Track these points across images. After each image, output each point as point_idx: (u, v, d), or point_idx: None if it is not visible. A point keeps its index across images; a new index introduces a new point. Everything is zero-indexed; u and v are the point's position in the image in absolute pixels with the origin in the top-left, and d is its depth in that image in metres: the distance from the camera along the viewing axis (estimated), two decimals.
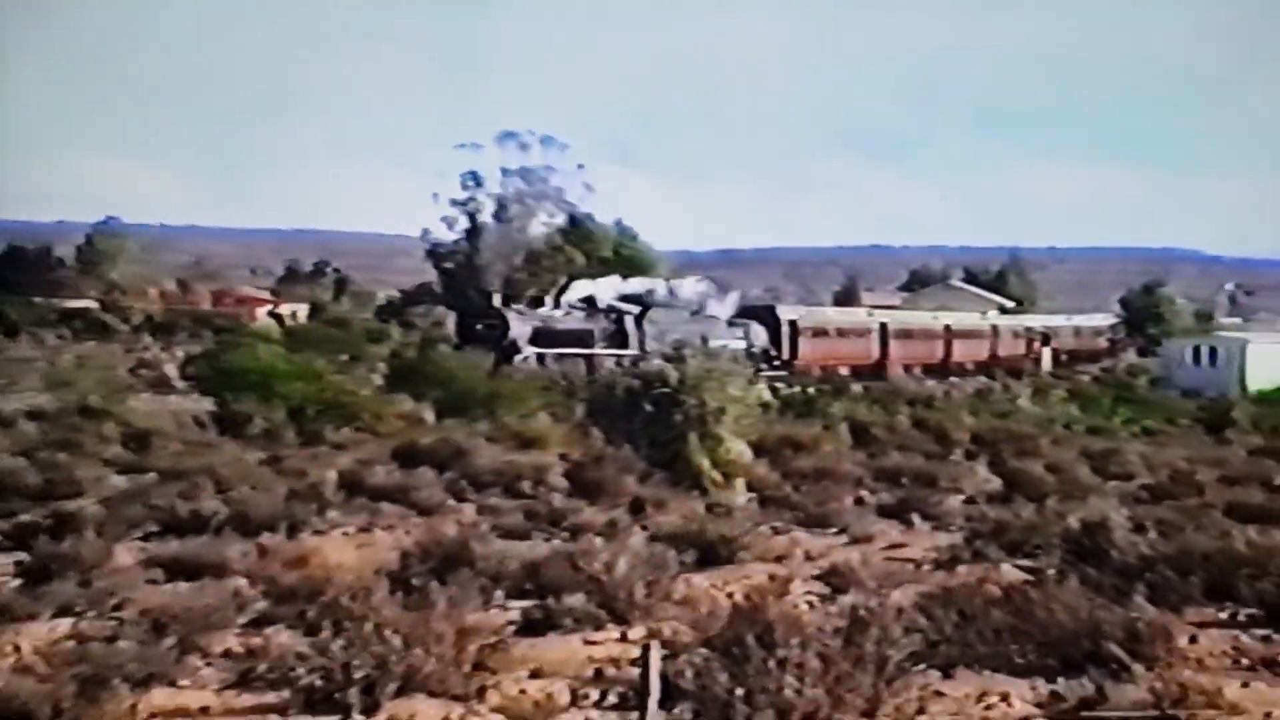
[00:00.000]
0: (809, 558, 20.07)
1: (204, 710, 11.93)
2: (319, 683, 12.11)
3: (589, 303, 67.59)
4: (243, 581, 16.94)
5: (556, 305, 65.76)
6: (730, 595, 16.57)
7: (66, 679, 12.03)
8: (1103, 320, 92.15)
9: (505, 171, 75.19)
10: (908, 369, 75.90)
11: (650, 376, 30.02)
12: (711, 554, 19.46)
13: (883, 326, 79.66)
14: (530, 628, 15.08)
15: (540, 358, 58.85)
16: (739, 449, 27.87)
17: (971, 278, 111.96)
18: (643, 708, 7.98)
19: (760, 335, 70.69)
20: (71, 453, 30.15)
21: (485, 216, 74.82)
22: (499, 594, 16.46)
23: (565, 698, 12.32)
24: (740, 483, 26.38)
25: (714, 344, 61.11)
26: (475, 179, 74.21)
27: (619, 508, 23.58)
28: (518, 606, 15.86)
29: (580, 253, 72.79)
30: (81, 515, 21.33)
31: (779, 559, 19.81)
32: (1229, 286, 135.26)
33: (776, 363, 68.45)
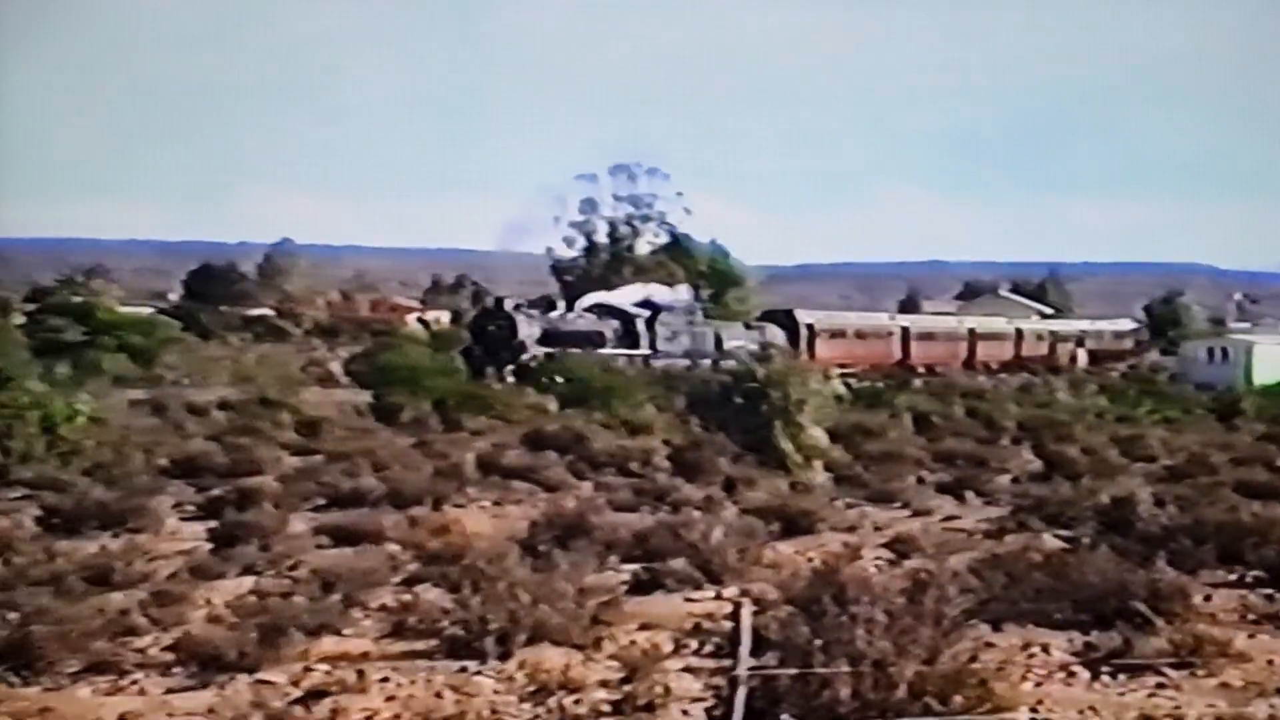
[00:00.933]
0: (877, 528, 19.95)
1: (364, 656, 12.05)
2: (460, 633, 12.22)
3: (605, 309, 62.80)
4: (396, 547, 17.13)
5: (569, 309, 61.74)
6: (810, 560, 16.54)
7: (250, 627, 12.20)
8: (1127, 325, 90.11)
9: (616, 198, 75.21)
10: (930, 369, 71.71)
11: (741, 373, 30.03)
12: (794, 525, 19.41)
13: (904, 330, 75.75)
14: (639, 588, 15.13)
15: (549, 356, 54.42)
16: (817, 435, 27.72)
17: (1017, 289, 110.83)
18: (735, 656, 8.01)
19: (778, 336, 65.11)
20: (253, 437, 30.55)
21: (600, 236, 74.69)
22: (612, 558, 16.50)
23: (669, 647, 12.32)
24: (818, 464, 26.25)
25: (729, 345, 59.41)
26: (591, 205, 74.15)
27: (714, 485, 23.51)
28: (628, 569, 15.88)
29: (680, 268, 72.07)
30: (262, 490, 21.61)
31: (851, 529, 19.71)
32: (1237, 296, 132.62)
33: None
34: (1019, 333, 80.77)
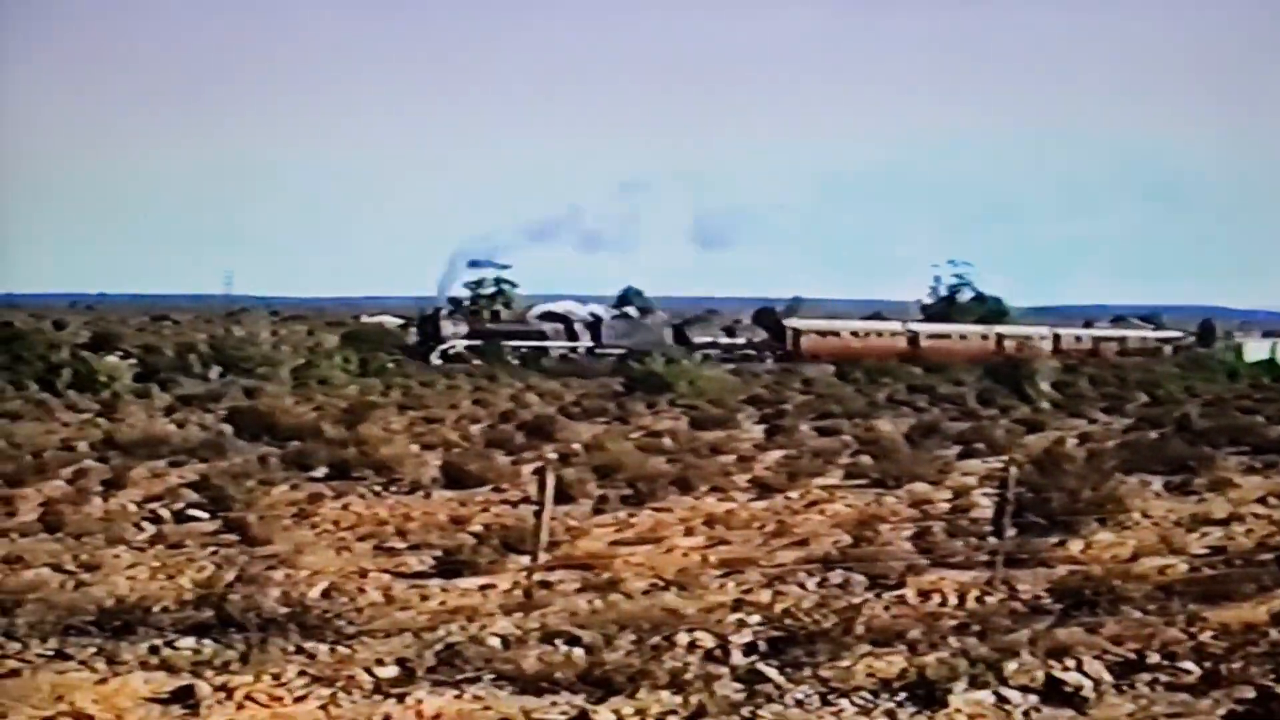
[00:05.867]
0: (1072, 429, 18.96)
1: (833, 489, 12.19)
2: (877, 475, 12.56)
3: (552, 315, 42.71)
4: (848, 437, 17.09)
5: (520, 318, 42.50)
6: (1042, 444, 15.92)
7: (782, 473, 12.71)
8: (1181, 334, 75.49)
9: (951, 274, 70.04)
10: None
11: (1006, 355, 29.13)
12: (1033, 427, 18.68)
13: (913, 333, 51.32)
14: (961, 456, 14.90)
15: (472, 347, 37.92)
16: (1045, 387, 26.73)
17: (1139, 317, 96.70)
18: (1005, 488, 8.32)
19: (758, 334, 45.68)
20: (780, 387, 30.16)
21: (942, 291, 69.98)
22: (948, 443, 16.19)
23: (975, 482, 12.30)
24: (1045, 400, 24.99)
25: (699, 339, 42.48)
26: (937, 280, 69.46)
27: (996, 409, 22.37)
28: (955, 449, 15.56)
29: (981, 308, 66.85)
30: (788, 410, 21.32)
31: (1060, 429, 18.68)
32: (1238, 320, 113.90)
33: (780, 353, 44.52)
34: (1144, 339, 69.14)
